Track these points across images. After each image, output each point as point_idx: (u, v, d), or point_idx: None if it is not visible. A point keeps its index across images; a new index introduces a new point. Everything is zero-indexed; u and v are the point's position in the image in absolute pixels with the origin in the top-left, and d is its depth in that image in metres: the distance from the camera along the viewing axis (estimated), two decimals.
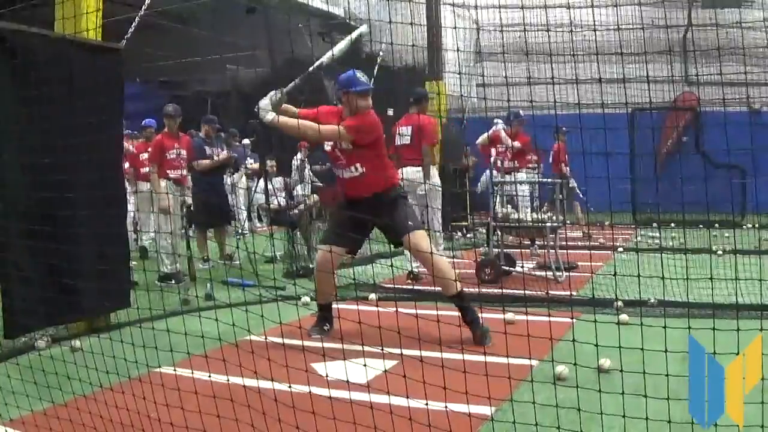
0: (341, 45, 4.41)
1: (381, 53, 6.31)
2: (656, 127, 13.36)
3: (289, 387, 2.66)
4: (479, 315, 4.28)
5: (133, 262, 7.38)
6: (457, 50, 8.74)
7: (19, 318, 4.03)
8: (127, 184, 7.60)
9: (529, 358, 2.80)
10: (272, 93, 4.17)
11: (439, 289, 4.37)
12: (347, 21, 13.36)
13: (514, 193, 7.64)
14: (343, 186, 4.53)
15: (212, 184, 7.85)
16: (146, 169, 7.59)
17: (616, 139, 3.29)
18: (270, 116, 4.13)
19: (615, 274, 3.17)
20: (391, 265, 5.11)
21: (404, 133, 6.89)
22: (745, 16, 12.49)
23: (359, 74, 4.37)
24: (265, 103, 4.14)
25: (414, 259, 6.69)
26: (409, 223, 4.36)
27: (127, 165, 8.36)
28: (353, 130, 4.25)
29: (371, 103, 4.39)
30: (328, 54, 4.35)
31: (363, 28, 4.85)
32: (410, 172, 6.57)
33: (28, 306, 4.03)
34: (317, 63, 4.31)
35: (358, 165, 4.35)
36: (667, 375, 2.27)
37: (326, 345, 3.69)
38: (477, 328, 4.24)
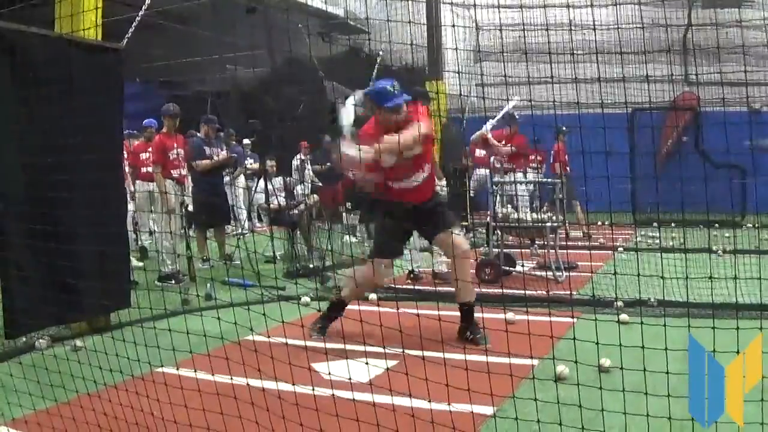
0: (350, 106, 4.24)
1: (381, 53, 6.32)
2: (656, 127, 13.36)
3: (293, 385, 2.67)
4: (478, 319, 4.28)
5: (140, 263, 7.43)
6: (456, 49, 8.74)
7: (19, 318, 4.04)
8: (129, 183, 7.60)
9: (530, 358, 2.81)
10: (346, 130, 4.04)
11: (453, 290, 4.31)
12: (347, 21, 13.38)
13: (513, 192, 7.64)
14: (405, 195, 4.27)
15: (212, 184, 7.85)
16: (147, 169, 7.58)
17: (616, 139, 3.29)
18: (361, 154, 3.84)
19: (615, 274, 3.17)
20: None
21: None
22: (744, 16, 12.50)
23: (389, 87, 4.12)
24: (349, 132, 4.05)
25: (415, 259, 6.71)
26: (450, 220, 4.40)
27: (126, 165, 8.36)
28: (428, 132, 4.16)
29: (404, 113, 4.14)
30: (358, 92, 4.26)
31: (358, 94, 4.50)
32: None
33: (29, 306, 4.04)
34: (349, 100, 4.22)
35: (424, 167, 4.26)
36: (667, 374, 2.27)
37: (327, 345, 3.70)
38: (474, 332, 4.24)
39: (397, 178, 4.23)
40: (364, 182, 4.21)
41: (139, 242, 8.61)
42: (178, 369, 3.22)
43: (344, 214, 8.94)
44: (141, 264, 7.49)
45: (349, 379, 2.73)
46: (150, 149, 7.51)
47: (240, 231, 9.90)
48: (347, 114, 4.22)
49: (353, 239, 8.76)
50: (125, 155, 7.07)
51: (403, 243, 4.57)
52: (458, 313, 4.28)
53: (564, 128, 9.32)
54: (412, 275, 6.56)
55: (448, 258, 4.32)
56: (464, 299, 4.28)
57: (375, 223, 4.96)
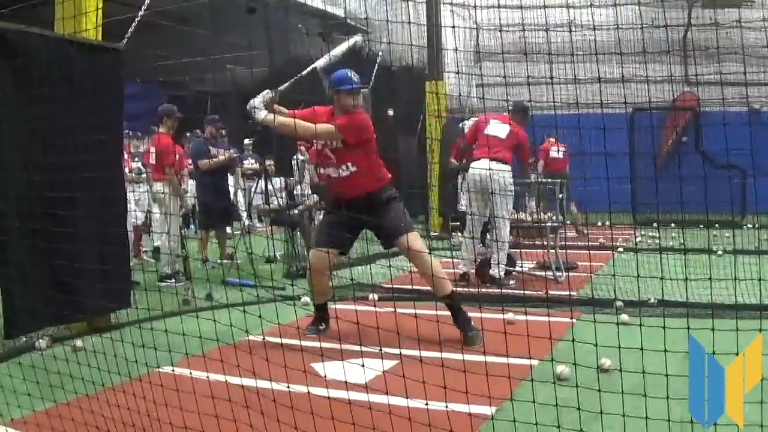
0: (337, 51, 4.44)
1: (381, 53, 6.31)
2: (656, 127, 13.35)
3: (287, 387, 2.66)
4: (469, 316, 4.28)
5: (152, 259, 7.44)
6: (456, 50, 8.72)
7: (20, 318, 4.04)
8: (144, 184, 7.55)
9: (530, 358, 2.81)
10: (265, 92, 4.19)
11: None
12: (347, 21, 13.36)
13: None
14: (334, 186, 4.51)
15: (215, 184, 7.85)
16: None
17: (615, 139, 3.29)
18: (262, 114, 4.16)
19: (614, 275, 3.17)
20: (390, 266, 5.10)
21: (500, 129, 6.38)
22: (745, 16, 12.49)
23: (351, 74, 4.37)
24: (258, 101, 4.17)
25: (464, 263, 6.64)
26: (402, 224, 4.35)
27: (140, 165, 8.36)
28: (344, 128, 4.26)
29: (361, 102, 4.41)
30: (324, 58, 4.38)
31: (358, 38, 4.87)
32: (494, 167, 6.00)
33: (30, 306, 4.04)
34: (312, 66, 4.33)
35: (349, 164, 4.34)
36: (666, 375, 2.27)
37: (325, 345, 3.69)
38: (468, 329, 4.23)
39: (323, 164, 4.49)
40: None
41: (153, 242, 8.59)
42: (173, 370, 3.21)
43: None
44: (152, 261, 7.53)
45: (345, 381, 2.72)
46: (159, 152, 7.48)
47: (241, 231, 9.89)
48: (339, 49, 4.50)
49: None
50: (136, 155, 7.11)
51: (345, 238, 4.50)
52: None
53: (551, 132, 9.26)
54: (465, 277, 6.42)
55: (410, 260, 4.32)
56: (442, 293, 4.28)
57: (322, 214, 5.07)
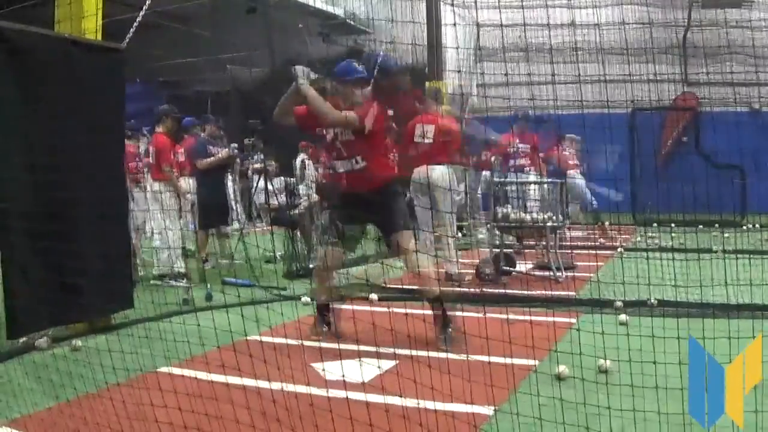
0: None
1: (381, 53, 6.30)
2: (656, 127, 13.36)
3: (293, 386, 2.66)
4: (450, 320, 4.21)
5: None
6: (458, 48, 8.73)
7: (22, 318, 4.03)
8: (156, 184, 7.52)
9: (530, 358, 2.81)
10: (307, 69, 4.17)
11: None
12: (347, 21, 13.36)
13: (517, 194, 7.63)
14: (341, 180, 4.43)
15: (214, 183, 7.84)
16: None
17: (616, 139, 3.29)
18: (303, 81, 4.12)
19: (615, 276, 3.17)
20: (384, 265, 5.10)
21: (427, 132, 6.39)
22: (745, 16, 12.50)
23: (355, 64, 4.36)
24: (303, 70, 4.14)
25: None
26: (400, 221, 4.32)
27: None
28: (368, 117, 4.20)
29: (369, 92, 4.36)
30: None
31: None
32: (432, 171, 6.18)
33: (31, 306, 4.03)
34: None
35: (358, 158, 4.30)
36: (666, 375, 2.27)
37: (326, 345, 3.70)
38: (444, 331, 4.15)
39: (332, 155, 4.40)
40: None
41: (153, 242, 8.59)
42: (170, 371, 3.22)
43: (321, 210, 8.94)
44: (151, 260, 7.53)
45: (344, 381, 2.73)
46: (160, 151, 7.48)
47: (240, 231, 9.87)
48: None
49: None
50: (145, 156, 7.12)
51: (352, 235, 4.46)
52: (461, 313, 4.27)
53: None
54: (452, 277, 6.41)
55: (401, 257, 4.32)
56: (431, 295, 4.24)
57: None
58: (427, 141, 6.30)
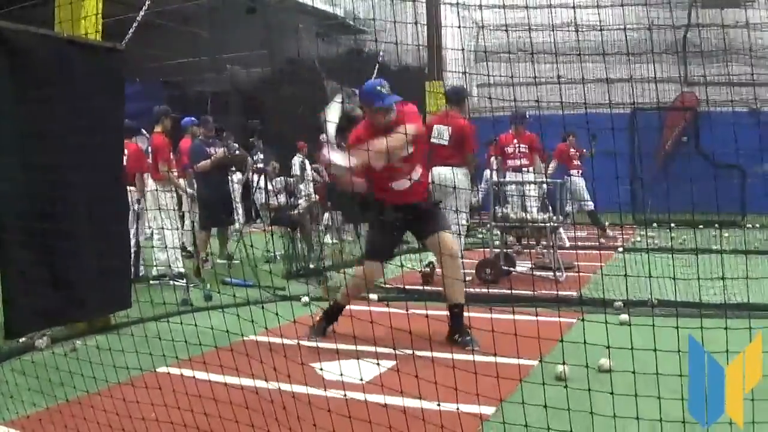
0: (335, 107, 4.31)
1: (381, 53, 6.29)
2: (656, 127, 13.36)
3: (290, 386, 2.66)
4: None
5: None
6: (462, 49, 8.73)
7: (20, 318, 4.03)
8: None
9: (530, 358, 2.81)
10: (339, 153, 4.02)
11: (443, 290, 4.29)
12: (347, 21, 13.36)
13: (517, 194, 7.63)
14: (398, 196, 4.25)
15: (218, 182, 7.83)
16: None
17: (616, 140, 3.29)
18: (343, 170, 3.98)
19: (615, 276, 3.17)
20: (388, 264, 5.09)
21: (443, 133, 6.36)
22: (745, 16, 12.49)
23: (378, 87, 4.15)
24: (337, 159, 3.98)
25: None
26: (441, 222, 4.35)
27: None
28: (418, 131, 4.17)
29: (393, 117, 4.14)
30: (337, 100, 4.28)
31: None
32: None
33: (30, 306, 4.03)
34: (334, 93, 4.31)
35: (415, 171, 4.25)
36: (665, 375, 2.27)
37: (326, 345, 3.70)
38: (463, 336, 4.16)
39: (389, 180, 4.22)
40: (350, 184, 4.13)
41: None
42: (169, 371, 3.21)
43: (326, 213, 8.95)
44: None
45: (342, 381, 2.72)
46: (157, 150, 7.47)
47: (240, 231, 9.87)
48: (333, 112, 4.24)
49: (329, 240, 8.78)
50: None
51: (395, 245, 4.53)
52: (466, 314, 4.26)
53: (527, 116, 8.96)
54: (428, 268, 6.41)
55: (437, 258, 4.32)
56: (453, 300, 4.23)
57: (368, 225, 4.96)
58: (442, 142, 6.29)
